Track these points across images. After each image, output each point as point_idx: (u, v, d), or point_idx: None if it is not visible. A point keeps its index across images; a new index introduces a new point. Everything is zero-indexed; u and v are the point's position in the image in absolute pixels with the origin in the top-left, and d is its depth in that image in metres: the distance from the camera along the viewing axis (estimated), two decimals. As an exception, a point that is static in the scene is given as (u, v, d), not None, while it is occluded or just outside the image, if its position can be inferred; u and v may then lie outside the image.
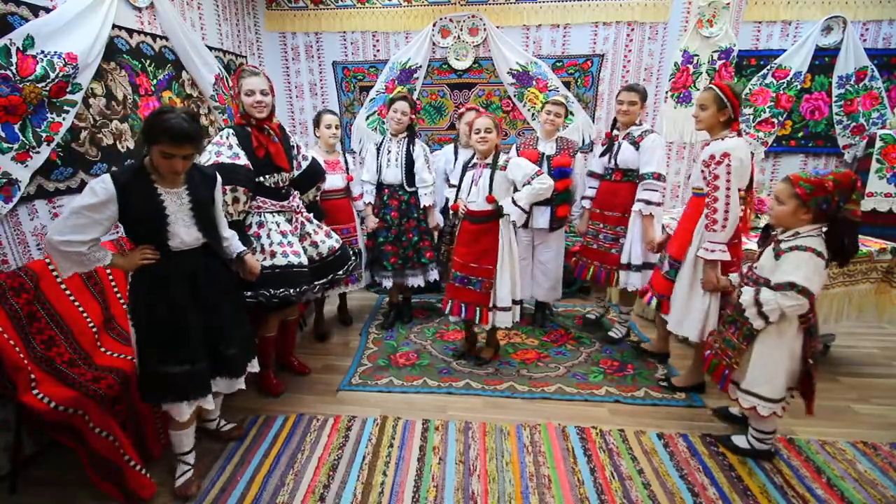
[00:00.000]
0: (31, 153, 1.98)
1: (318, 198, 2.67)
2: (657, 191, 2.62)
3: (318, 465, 1.98)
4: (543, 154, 2.90)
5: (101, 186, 1.54)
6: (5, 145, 1.88)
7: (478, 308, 2.53)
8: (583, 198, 3.04)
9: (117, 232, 2.28)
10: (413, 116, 3.07)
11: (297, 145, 2.45)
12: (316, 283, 2.38)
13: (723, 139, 2.10)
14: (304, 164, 2.47)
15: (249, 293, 2.11)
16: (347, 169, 3.06)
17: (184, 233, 1.69)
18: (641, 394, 2.47)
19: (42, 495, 1.86)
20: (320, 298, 3.16)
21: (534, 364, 2.79)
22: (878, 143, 3.68)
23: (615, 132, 2.82)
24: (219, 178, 1.85)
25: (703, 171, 2.15)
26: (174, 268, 1.70)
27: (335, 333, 3.25)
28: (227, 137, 2.15)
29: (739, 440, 2.05)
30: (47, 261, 1.93)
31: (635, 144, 2.67)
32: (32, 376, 1.67)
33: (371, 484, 1.88)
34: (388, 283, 3.21)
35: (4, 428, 1.94)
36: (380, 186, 3.10)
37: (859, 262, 2.56)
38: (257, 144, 2.19)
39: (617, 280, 2.86)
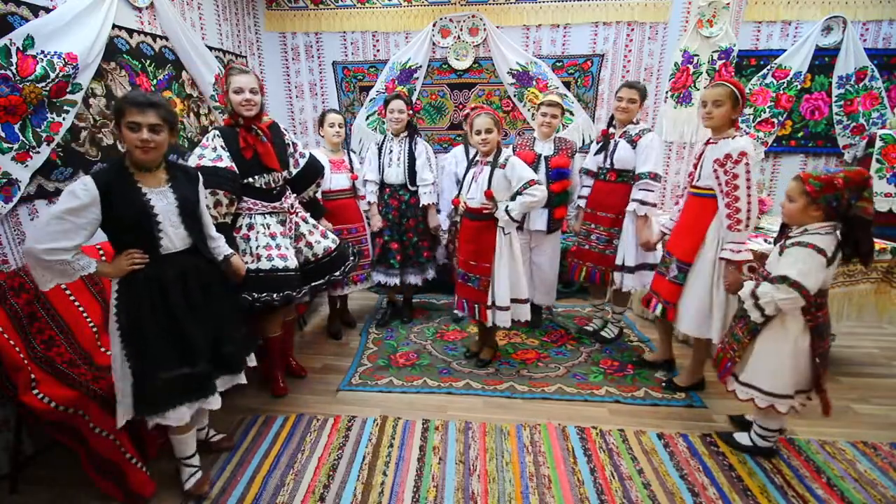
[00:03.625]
0: (31, 153, 1.98)
1: (318, 194, 2.64)
2: (653, 191, 2.57)
3: (318, 465, 1.98)
4: (541, 155, 2.84)
5: (82, 189, 1.47)
6: (5, 145, 1.88)
7: (476, 306, 2.53)
8: (579, 197, 2.98)
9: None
10: (411, 113, 3.07)
11: (294, 143, 2.42)
12: (312, 283, 2.34)
13: (731, 138, 2.07)
14: (302, 162, 2.44)
15: None
16: (352, 168, 3.05)
17: (172, 234, 1.64)
18: (641, 394, 2.47)
19: (42, 495, 1.86)
20: (337, 296, 3.21)
21: (534, 364, 2.79)
22: (878, 143, 3.68)
23: (611, 130, 2.76)
24: (200, 177, 1.82)
25: (715, 171, 2.07)
26: (166, 270, 1.64)
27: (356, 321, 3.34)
28: (212, 139, 2.13)
29: (742, 437, 2.07)
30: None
31: (632, 143, 2.61)
32: (33, 376, 1.67)
33: (371, 484, 1.88)
34: (395, 281, 3.17)
35: (4, 428, 1.94)
36: (381, 186, 3.11)
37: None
38: (244, 145, 2.15)
39: (612, 281, 2.84)
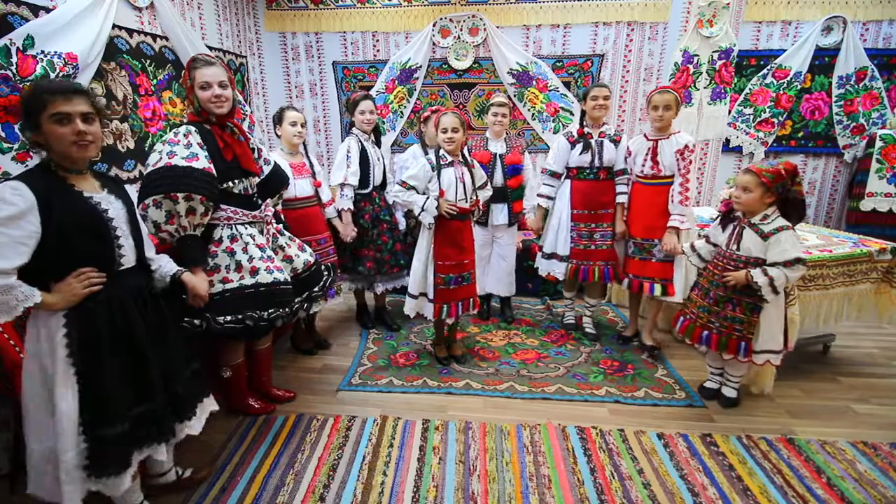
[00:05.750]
0: (31, 153, 1.98)
1: (278, 206, 2.40)
2: (628, 184, 2.83)
3: (318, 465, 1.98)
4: (496, 154, 2.99)
5: (13, 193, 1.18)
6: (5, 145, 1.89)
7: (471, 299, 2.66)
8: (539, 195, 3.01)
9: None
10: (381, 113, 3.08)
11: (258, 148, 2.14)
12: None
13: (677, 133, 2.57)
14: (266, 169, 2.15)
15: (230, 317, 1.81)
16: (314, 172, 2.77)
17: (126, 245, 1.40)
18: (641, 394, 2.47)
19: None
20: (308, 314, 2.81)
21: (534, 364, 2.79)
22: (878, 143, 3.69)
23: (587, 130, 2.84)
24: (125, 185, 1.54)
25: (677, 160, 2.54)
26: (124, 289, 1.38)
27: (329, 340, 3.15)
28: (186, 135, 1.80)
29: (728, 391, 2.37)
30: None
31: (615, 142, 2.81)
32: (32, 376, 1.67)
33: (371, 484, 1.88)
34: (406, 281, 3.01)
35: (4, 428, 1.94)
36: (370, 190, 2.96)
37: (859, 262, 2.56)
38: (223, 145, 1.87)
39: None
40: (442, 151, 2.52)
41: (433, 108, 3.28)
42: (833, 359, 2.85)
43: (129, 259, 1.42)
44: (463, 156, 2.55)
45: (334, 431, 2.19)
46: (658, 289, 2.65)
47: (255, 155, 2.10)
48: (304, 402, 2.43)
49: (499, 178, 2.98)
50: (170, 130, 2.78)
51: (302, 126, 2.66)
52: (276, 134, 2.72)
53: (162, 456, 1.48)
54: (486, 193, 2.69)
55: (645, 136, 2.65)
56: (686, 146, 2.51)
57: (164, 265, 1.61)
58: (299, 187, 2.65)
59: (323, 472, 1.94)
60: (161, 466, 1.76)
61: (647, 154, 2.62)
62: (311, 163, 2.79)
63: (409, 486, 1.86)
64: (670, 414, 2.32)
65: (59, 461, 1.28)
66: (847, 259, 2.54)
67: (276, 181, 2.22)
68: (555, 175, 2.95)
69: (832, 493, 1.82)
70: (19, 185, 1.20)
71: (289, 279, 2.03)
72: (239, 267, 1.90)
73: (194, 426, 1.62)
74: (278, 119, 2.67)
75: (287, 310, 1.98)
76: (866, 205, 3.77)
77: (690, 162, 2.51)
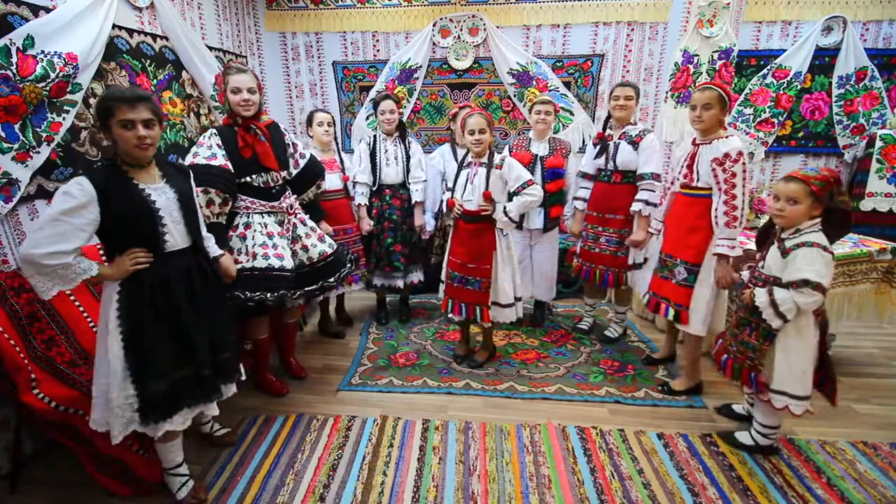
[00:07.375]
0: (31, 153, 1.98)
1: (317, 196, 2.63)
2: (655, 191, 2.61)
3: (318, 465, 1.98)
4: (537, 155, 2.89)
5: (78, 188, 1.43)
6: (5, 145, 1.89)
7: (478, 307, 2.53)
8: (575, 198, 3.00)
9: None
10: (401, 112, 3.14)
11: (294, 143, 2.39)
12: (305, 288, 2.27)
13: (725, 138, 2.15)
14: (302, 162, 2.41)
15: (226, 295, 2.04)
16: (343, 168, 3.03)
17: (174, 230, 1.61)
18: (641, 394, 2.47)
19: (42, 495, 1.86)
20: (324, 299, 3.17)
21: (534, 364, 2.79)
22: (878, 143, 3.68)
23: (608, 132, 2.77)
24: (191, 172, 1.80)
25: (714, 170, 2.13)
26: (170, 269, 1.60)
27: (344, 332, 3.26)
28: (209, 138, 2.11)
29: (743, 436, 2.07)
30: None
31: (634, 144, 2.63)
32: (33, 376, 1.67)
33: (371, 484, 1.88)
34: (399, 283, 3.19)
35: (4, 428, 1.94)
36: (380, 188, 3.09)
37: (859, 262, 2.56)
38: (243, 144, 2.13)
39: (625, 281, 2.86)
40: (469, 154, 2.51)
41: (460, 104, 3.31)
42: (833, 359, 2.83)
43: (176, 242, 1.62)
44: (490, 155, 2.44)
45: (334, 431, 2.19)
46: (672, 313, 2.36)
47: (291, 150, 2.36)
48: (304, 402, 2.44)
49: (537, 182, 2.77)
50: (170, 130, 2.83)
51: (329, 125, 2.92)
52: (309, 135, 3.01)
53: (214, 411, 1.82)
54: (523, 199, 2.37)
55: (693, 140, 2.32)
56: (727, 154, 2.07)
57: (211, 246, 1.88)
58: (329, 181, 2.87)
59: (323, 472, 1.94)
60: (203, 416, 2.05)
61: (685, 160, 2.32)
62: (340, 159, 3.03)
63: (409, 486, 1.86)
64: (670, 414, 2.32)
65: (110, 400, 1.54)
66: (847, 259, 2.54)
67: (311, 173, 2.47)
68: (586, 176, 2.93)
69: (832, 493, 1.82)
70: (84, 180, 1.45)
71: (287, 266, 2.16)
72: (245, 251, 2.12)
73: (231, 388, 1.84)
74: (309, 122, 2.96)
75: (275, 294, 2.11)
76: (866, 205, 3.77)
77: (734, 175, 2.07)
